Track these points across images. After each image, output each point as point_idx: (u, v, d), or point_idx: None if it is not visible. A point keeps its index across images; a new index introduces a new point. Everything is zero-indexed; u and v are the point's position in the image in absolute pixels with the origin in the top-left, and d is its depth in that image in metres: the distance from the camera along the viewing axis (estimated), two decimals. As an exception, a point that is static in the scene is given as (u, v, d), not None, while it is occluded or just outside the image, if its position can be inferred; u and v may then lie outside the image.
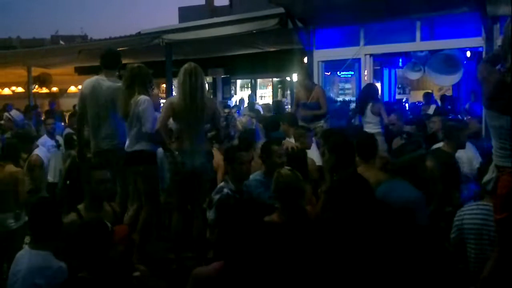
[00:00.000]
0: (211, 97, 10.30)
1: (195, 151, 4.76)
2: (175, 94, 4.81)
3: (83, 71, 14.72)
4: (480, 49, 7.47)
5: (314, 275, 2.91)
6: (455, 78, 9.34)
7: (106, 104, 5.28)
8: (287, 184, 3.64)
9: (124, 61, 5.70)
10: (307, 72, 8.24)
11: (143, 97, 4.82)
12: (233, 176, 4.41)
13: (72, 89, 18.22)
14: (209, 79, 17.48)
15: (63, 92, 18.37)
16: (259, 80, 17.52)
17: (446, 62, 9.10)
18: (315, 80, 8.57)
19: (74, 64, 14.96)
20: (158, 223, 5.60)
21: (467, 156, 5.19)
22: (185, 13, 18.16)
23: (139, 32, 11.68)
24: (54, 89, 18.03)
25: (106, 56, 5.49)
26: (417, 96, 12.81)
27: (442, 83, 10.73)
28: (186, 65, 4.79)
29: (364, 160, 4.04)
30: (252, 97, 15.77)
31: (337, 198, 3.53)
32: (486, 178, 3.20)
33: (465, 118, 7.71)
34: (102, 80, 5.34)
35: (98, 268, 2.82)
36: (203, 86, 4.75)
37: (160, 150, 5.02)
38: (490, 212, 3.26)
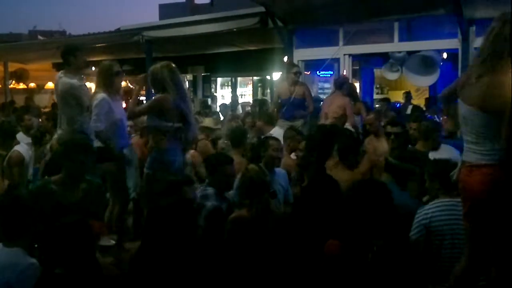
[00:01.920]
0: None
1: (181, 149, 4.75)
2: (163, 94, 4.64)
3: (61, 67, 14.53)
4: (456, 50, 7.61)
5: (281, 267, 2.98)
6: (431, 79, 9.49)
7: (59, 100, 5.42)
8: (252, 179, 3.73)
9: (103, 58, 5.77)
10: (296, 65, 8.20)
11: (98, 95, 4.92)
12: (215, 185, 4.19)
13: (49, 85, 17.98)
14: (189, 77, 17.46)
15: (40, 88, 18.13)
16: (239, 79, 17.55)
17: (423, 63, 9.24)
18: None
19: (52, 59, 14.79)
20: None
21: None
22: (165, 10, 18.11)
23: (119, 29, 11.61)
24: (32, 84, 17.78)
25: (62, 52, 5.58)
26: (395, 96, 12.99)
27: (419, 84, 10.89)
28: (163, 63, 4.70)
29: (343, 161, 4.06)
30: (235, 96, 15.81)
31: (306, 196, 3.65)
32: (452, 172, 3.27)
33: (441, 118, 7.85)
34: (59, 77, 5.47)
35: (75, 265, 2.83)
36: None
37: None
38: (457, 207, 3.31)
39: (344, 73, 8.52)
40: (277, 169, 4.57)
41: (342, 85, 7.50)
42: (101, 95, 4.92)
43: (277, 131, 6.31)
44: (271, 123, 6.72)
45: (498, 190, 2.85)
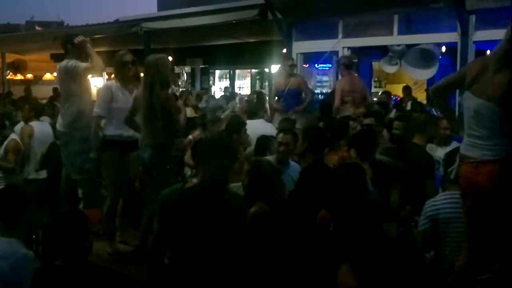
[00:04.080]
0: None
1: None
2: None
3: (59, 58, 14.47)
4: (455, 44, 7.60)
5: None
6: (430, 72, 9.48)
7: (62, 86, 5.47)
8: (266, 171, 3.72)
9: (102, 49, 5.75)
10: (291, 58, 8.21)
11: (105, 83, 4.91)
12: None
13: (48, 76, 17.94)
14: (187, 69, 17.42)
15: (38, 79, 18.08)
16: (237, 71, 17.50)
17: (422, 56, 9.23)
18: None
19: (50, 50, 14.74)
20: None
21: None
22: (164, 1, 17.99)
23: (117, 20, 11.56)
24: (29, 75, 17.74)
25: (61, 42, 5.67)
26: (393, 90, 12.98)
27: (418, 77, 10.87)
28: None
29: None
30: (229, 89, 15.74)
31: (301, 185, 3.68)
32: (451, 167, 3.23)
33: (438, 112, 7.84)
34: (59, 67, 5.48)
35: (74, 256, 2.83)
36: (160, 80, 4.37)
37: None
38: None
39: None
40: (292, 163, 4.52)
41: (352, 65, 7.44)
42: (107, 82, 4.94)
43: (262, 124, 6.16)
44: (252, 117, 6.28)
45: (506, 186, 2.83)
